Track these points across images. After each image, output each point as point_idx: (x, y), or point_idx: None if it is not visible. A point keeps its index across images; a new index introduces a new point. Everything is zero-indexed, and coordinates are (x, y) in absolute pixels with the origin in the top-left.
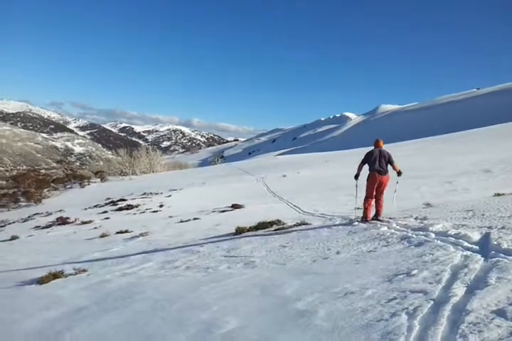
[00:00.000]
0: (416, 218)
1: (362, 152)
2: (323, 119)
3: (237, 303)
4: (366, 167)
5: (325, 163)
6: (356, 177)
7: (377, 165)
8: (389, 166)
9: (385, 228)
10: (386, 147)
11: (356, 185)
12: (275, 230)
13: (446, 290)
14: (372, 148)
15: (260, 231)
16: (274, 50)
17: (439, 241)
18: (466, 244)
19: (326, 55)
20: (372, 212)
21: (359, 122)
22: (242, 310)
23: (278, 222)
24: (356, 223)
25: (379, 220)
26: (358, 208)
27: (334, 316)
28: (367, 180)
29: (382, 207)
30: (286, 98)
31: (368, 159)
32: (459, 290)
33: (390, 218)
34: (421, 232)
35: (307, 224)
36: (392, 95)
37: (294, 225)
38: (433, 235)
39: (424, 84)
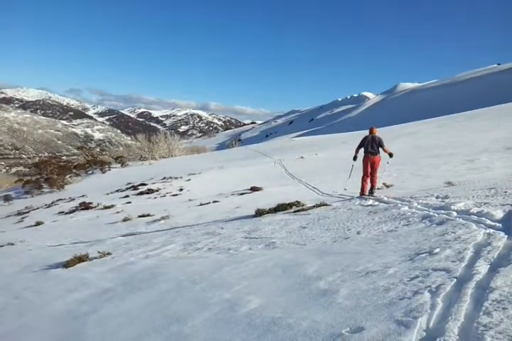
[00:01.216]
0: (437, 197)
1: (381, 132)
2: (340, 100)
3: (259, 283)
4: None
5: (342, 144)
6: (354, 158)
7: (370, 147)
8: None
9: (406, 207)
10: (405, 126)
11: (352, 166)
12: (294, 211)
13: (469, 268)
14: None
15: (280, 213)
16: (291, 29)
17: (461, 220)
18: (488, 221)
19: (343, 34)
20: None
21: (377, 101)
22: (264, 290)
23: (297, 203)
24: (354, 198)
25: (373, 194)
26: (345, 189)
27: (356, 295)
28: (362, 161)
29: (376, 183)
30: (303, 79)
31: (362, 143)
32: (482, 268)
33: (411, 197)
34: (442, 211)
35: (326, 205)
36: (412, 73)
37: (314, 206)
38: (455, 213)
39: (444, 61)
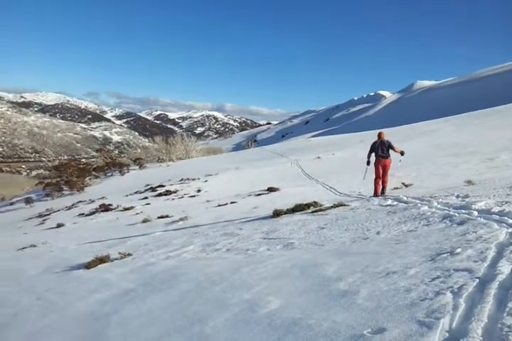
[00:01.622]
0: (457, 196)
1: (398, 131)
2: (356, 99)
3: (278, 284)
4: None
5: (360, 143)
6: (368, 163)
7: (380, 151)
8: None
9: (426, 207)
10: (423, 125)
11: (366, 169)
12: (312, 212)
13: (491, 268)
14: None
15: (297, 214)
16: (306, 28)
17: (482, 219)
18: (510, 221)
19: (359, 32)
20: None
21: (394, 100)
22: (283, 291)
23: (315, 203)
24: (371, 198)
25: (384, 194)
26: (359, 193)
27: (377, 295)
28: (374, 164)
29: (387, 184)
30: (319, 79)
31: (373, 148)
32: (505, 267)
33: (431, 197)
34: (463, 210)
35: (344, 205)
36: (428, 71)
37: (331, 207)
38: (476, 213)
39: (462, 59)
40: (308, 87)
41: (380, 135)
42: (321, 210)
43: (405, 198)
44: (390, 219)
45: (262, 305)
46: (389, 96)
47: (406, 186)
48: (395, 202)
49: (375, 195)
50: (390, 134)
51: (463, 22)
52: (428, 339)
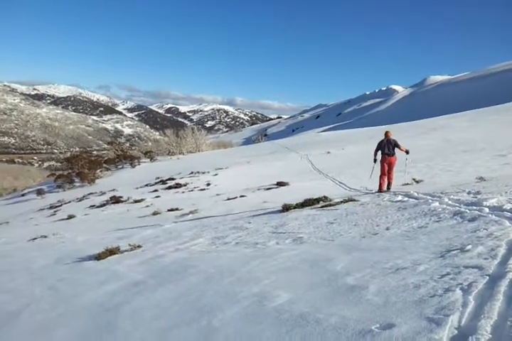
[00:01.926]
0: (469, 193)
1: (409, 126)
2: (368, 93)
3: (287, 278)
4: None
5: (369, 139)
6: (375, 161)
7: (386, 149)
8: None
9: (437, 203)
10: (435, 120)
11: (373, 167)
12: (322, 207)
13: (502, 265)
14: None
15: (307, 208)
16: (318, 22)
17: (493, 216)
18: None
19: (371, 26)
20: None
21: (406, 95)
22: (292, 285)
23: (324, 198)
24: (380, 193)
25: (389, 190)
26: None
27: (385, 291)
28: (380, 162)
29: (392, 180)
30: (331, 73)
31: (379, 147)
32: None
33: (442, 193)
34: (474, 207)
35: (354, 200)
36: (442, 65)
37: (341, 202)
38: (487, 210)
39: (475, 53)
40: (320, 81)
41: (386, 134)
42: (330, 205)
43: (416, 194)
44: (400, 215)
45: (270, 299)
46: (401, 91)
47: (417, 182)
48: (406, 198)
49: (380, 190)
50: (401, 129)
51: (477, 17)
52: (437, 335)
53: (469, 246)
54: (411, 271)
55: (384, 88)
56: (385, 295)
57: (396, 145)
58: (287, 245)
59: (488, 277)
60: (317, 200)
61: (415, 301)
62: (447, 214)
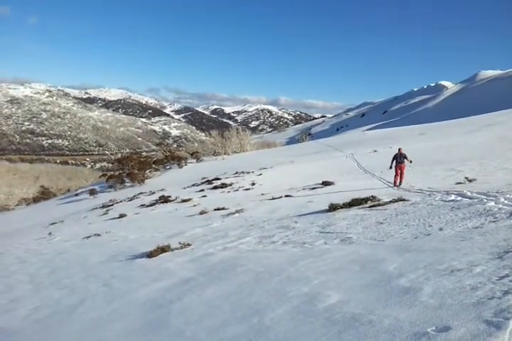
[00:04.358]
0: None
1: (460, 123)
2: (416, 90)
3: (337, 278)
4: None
5: (419, 136)
6: (390, 167)
7: (399, 159)
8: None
9: (492, 203)
10: (487, 117)
11: (390, 167)
12: (370, 207)
13: None
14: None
15: (354, 208)
16: (363, 18)
17: None
18: None
19: (417, 21)
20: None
21: (456, 91)
22: (343, 285)
23: (372, 198)
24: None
25: (400, 185)
26: (389, 186)
27: (441, 293)
28: (394, 167)
29: (403, 179)
30: (377, 70)
31: (395, 157)
32: None
33: (497, 192)
34: None
35: (404, 200)
36: (493, 60)
37: (390, 201)
38: None
39: None
40: (366, 79)
41: (399, 149)
42: (379, 205)
43: (469, 193)
44: (454, 215)
45: (321, 299)
46: (451, 86)
47: (469, 181)
48: (459, 198)
49: (394, 185)
50: (451, 127)
51: None
52: (496, 339)
53: None
54: (467, 272)
55: (433, 84)
56: (440, 297)
57: (405, 157)
58: (336, 245)
59: None
60: (365, 200)
61: (472, 303)
62: (504, 214)
